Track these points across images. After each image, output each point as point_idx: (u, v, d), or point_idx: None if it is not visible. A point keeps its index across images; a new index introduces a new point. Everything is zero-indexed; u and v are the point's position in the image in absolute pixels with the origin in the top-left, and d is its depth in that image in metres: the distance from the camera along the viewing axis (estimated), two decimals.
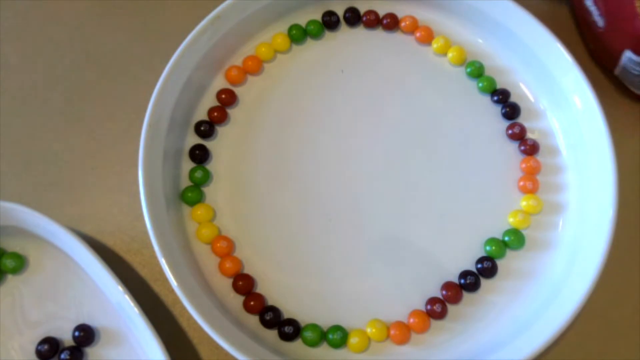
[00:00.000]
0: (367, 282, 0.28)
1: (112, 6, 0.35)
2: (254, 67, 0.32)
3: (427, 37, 0.34)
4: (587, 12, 0.32)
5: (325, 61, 0.33)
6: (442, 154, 0.31)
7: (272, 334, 0.27)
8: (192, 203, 0.29)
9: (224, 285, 0.28)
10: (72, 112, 0.32)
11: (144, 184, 0.27)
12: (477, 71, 0.33)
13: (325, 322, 0.27)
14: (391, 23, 0.34)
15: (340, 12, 0.34)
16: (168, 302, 0.28)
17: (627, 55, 0.29)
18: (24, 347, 0.26)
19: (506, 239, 0.29)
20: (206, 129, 0.31)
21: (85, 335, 0.26)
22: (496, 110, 0.32)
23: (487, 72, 0.33)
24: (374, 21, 0.34)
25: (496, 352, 0.26)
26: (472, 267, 0.29)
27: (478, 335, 0.27)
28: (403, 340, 0.27)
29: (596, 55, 0.33)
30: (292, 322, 0.27)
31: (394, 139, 0.31)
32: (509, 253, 0.29)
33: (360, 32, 0.34)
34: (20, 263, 0.27)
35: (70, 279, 0.27)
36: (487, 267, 0.28)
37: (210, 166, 0.31)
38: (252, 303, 0.27)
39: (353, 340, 0.27)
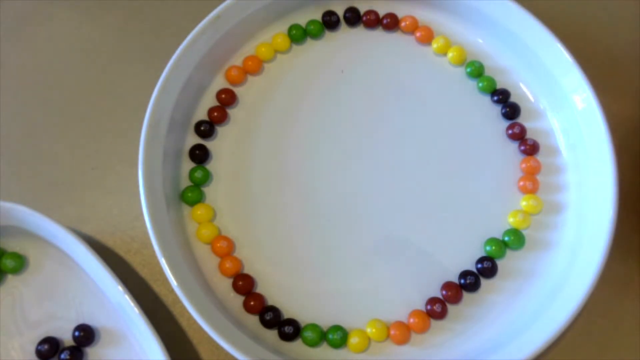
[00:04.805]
0: (367, 282, 0.28)
1: (112, 6, 0.35)
2: (254, 67, 0.32)
3: (427, 37, 0.34)
4: None
5: (325, 61, 0.33)
6: (442, 154, 0.31)
7: (272, 334, 0.27)
8: (192, 203, 0.29)
9: (224, 285, 0.28)
10: (72, 112, 0.32)
11: (144, 184, 0.27)
12: (477, 71, 0.33)
13: (325, 322, 0.27)
14: (391, 23, 0.34)
15: (340, 12, 0.34)
16: (168, 302, 0.28)
17: None
18: (24, 347, 0.26)
19: (506, 239, 0.29)
20: (206, 129, 0.31)
21: (85, 335, 0.26)
22: (496, 110, 0.32)
23: (487, 72, 0.33)
24: (374, 21, 0.34)
25: (496, 352, 0.26)
26: (472, 267, 0.29)
27: (478, 335, 0.27)
28: (403, 340, 0.27)
29: None
30: (292, 322, 0.27)
31: (393, 139, 0.31)
32: (509, 253, 0.29)
33: (360, 32, 0.34)
34: (20, 263, 0.27)
35: (70, 279, 0.27)
36: (487, 267, 0.28)
37: (210, 166, 0.31)
38: (252, 303, 0.27)
39: (353, 340, 0.27)
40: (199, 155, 0.30)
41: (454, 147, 0.31)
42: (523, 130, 0.31)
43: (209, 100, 0.32)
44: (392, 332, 0.27)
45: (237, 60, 0.33)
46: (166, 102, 0.29)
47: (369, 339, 0.27)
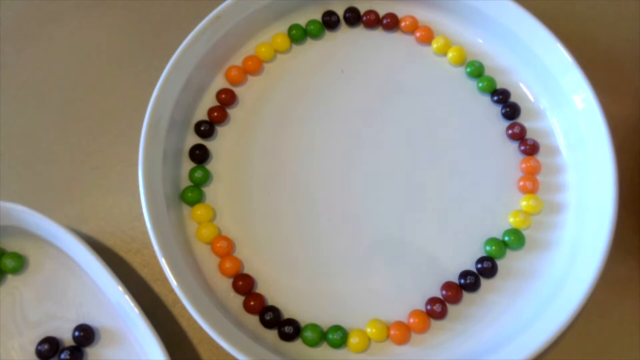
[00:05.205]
0: (367, 282, 0.28)
1: (112, 6, 0.35)
2: (254, 67, 0.32)
3: (427, 37, 0.34)
4: None
5: (325, 61, 0.33)
6: (442, 154, 0.31)
7: (272, 334, 0.27)
8: (192, 203, 0.29)
9: (224, 285, 0.28)
10: (72, 112, 0.32)
11: (144, 184, 0.27)
12: (477, 71, 0.33)
13: (325, 322, 0.27)
14: (391, 23, 0.34)
15: (340, 12, 0.34)
16: (168, 302, 0.28)
17: None
18: (24, 347, 0.26)
19: (506, 239, 0.29)
20: (206, 129, 0.31)
21: (85, 335, 0.26)
22: (496, 110, 0.32)
23: (487, 72, 0.33)
24: (374, 21, 0.34)
25: (496, 352, 0.26)
26: (472, 267, 0.29)
27: (478, 335, 0.27)
28: (403, 340, 0.27)
29: None
30: (292, 322, 0.27)
31: (393, 139, 0.31)
32: (509, 253, 0.29)
33: (360, 32, 0.34)
34: (20, 263, 0.27)
35: (70, 279, 0.27)
36: (487, 267, 0.28)
37: (210, 166, 0.31)
38: (252, 303, 0.27)
39: (353, 340, 0.27)
40: (199, 155, 0.30)
41: (454, 147, 0.31)
42: (523, 130, 0.31)
43: (209, 100, 0.32)
44: (392, 332, 0.27)
45: (237, 60, 0.33)
46: (166, 102, 0.29)
47: (369, 339, 0.27)
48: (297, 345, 0.27)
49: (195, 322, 0.27)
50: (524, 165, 0.31)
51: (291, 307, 0.28)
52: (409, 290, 0.28)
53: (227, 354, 0.25)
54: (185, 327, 0.28)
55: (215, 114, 0.31)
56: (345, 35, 0.34)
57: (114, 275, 0.25)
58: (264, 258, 0.29)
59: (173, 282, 0.25)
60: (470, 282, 0.28)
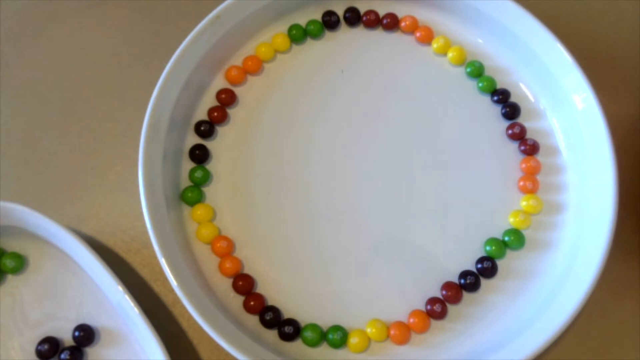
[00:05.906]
0: (367, 282, 0.28)
1: (112, 6, 0.35)
2: (254, 67, 0.32)
3: (427, 37, 0.34)
4: None
5: (325, 61, 0.33)
6: (442, 154, 0.31)
7: (272, 334, 0.27)
8: (192, 203, 0.29)
9: (224, 285, 0.28)
10: (72, 112, 0.32)
11: (144, 184, 0.27)
12: (477, 71, 0.33)
13: (325, 322, 0.27)
14: (391, 23, 0.34)
15: (340, 12, 0.34)
16: (168, 302, 0.28)
17: None
18: (24, 347, 0.26)
19: (506, 239, 0.29)
20: (206, 129, 0.31)
21: (85, 335, 0.26)
22: (496, 110, 0.32)
23: (487, 72, 0.33)
24: (374, 21, 0.34)
25: (496, 352, 0.26)
26: (472, 267, 0.29)
27: (478, 335, 0.27)
28: (403, 340, 0.27)
29: None
30: (292, 322, 0.27)
31: (393, 139, 0.31)
32: (509, 253, 0.29)
33: (360, 32, 0.34)
34: (20, 263, 0.27)
35: (70, 279, 0.27)
36: (487, 267, 0.28)
37: (210, 166, 0.31)
38: (252, 303, 0.27)
39: (353, 340, 0.27)
40: (199, 155, 0.30)
41: (454, 147, 0.31)
42: (523, 130, 0.31)
43: (209, 100, 0.32)
44: (392, 332, 0.27)
45: (237, 60, 0.33)
46: (166, 102, 0.29)
47: (369, 339, 0.27)
48: (297, 345, 0.27)
49: (195, 322, 0.27)
50: (524, 165, 0.31)
51: (291, 307, 0.28)
52: (409, 290, 0.28)
53: (227, 354, 0.25)
54: (185, 327, 0.28)
55: (215, 114, 0.31)
56: (345, 35, 0.34)
57: (114, 275, 0.25)
58: (264, 258, 0.29)
59: (173, 282, 0.25)
60: (470, 282, 0.28)
